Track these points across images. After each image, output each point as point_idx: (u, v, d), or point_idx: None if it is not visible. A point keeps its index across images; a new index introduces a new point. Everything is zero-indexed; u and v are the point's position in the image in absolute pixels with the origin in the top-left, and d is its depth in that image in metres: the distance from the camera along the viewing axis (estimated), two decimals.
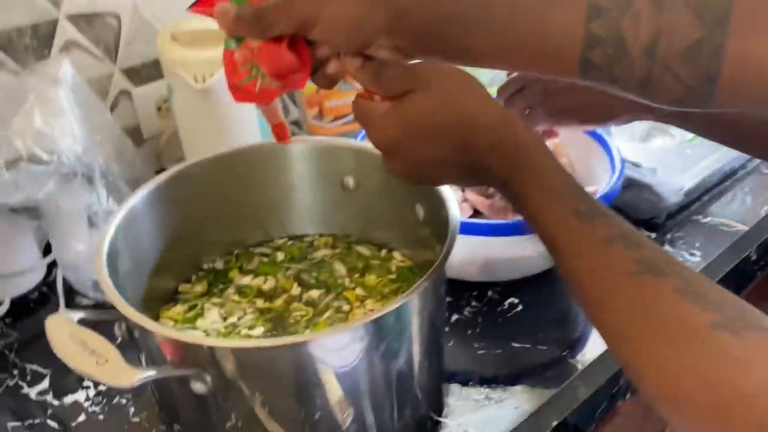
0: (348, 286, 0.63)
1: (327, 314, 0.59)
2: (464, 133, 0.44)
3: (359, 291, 0.63)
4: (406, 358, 0.50)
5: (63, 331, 0.42)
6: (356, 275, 0.64)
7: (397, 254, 0.67)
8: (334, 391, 0.47)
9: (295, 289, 0.62)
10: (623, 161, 0.73)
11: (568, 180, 0.46)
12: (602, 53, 0.41)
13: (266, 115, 0.55)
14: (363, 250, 0.67)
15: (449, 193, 0.55)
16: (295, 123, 1.05)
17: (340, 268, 0.65)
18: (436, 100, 0.44)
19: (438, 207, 0.56)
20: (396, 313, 0.44)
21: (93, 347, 0.41)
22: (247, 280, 0.63)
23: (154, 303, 0.60)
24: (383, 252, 0.67)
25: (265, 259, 0.66)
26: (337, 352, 0.44)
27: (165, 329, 0.42)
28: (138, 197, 0.56)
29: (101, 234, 0.68)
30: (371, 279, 0.64)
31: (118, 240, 0.52)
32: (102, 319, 0.47)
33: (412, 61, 0.47)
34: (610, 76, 0.42)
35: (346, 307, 0.61)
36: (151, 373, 0.40)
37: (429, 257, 0.62)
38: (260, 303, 0.61)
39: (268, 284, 0.63)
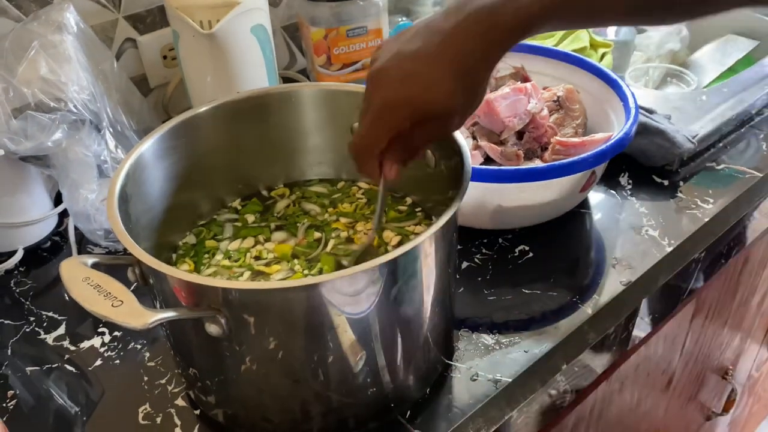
0: (330, 219, 0.64)
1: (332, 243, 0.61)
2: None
3: (343, 219, 0.63)
4: (417, 302, 0.50)
5: (77, 274, 0.42)
6: (330, 208, 0.65)
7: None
8: (346, 334, 0.47)
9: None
10: (637, 107, 0.72)
11: None
12: None
13: None
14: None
15: (461, 139, 0.54)
16: (303, 72, 1.04)
17: (314, 207, 0.66)
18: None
19: (449, 153, 0.55)
20: (408, 255, 0.44)
21: (108, 290, 0.41)
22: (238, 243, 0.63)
23: (166, 249, 0.61)
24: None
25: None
26: (349, 294, 0.44)
27: (179, 272, 0.42)
28: (147, 144, 0.56)
29: (110, 180, 0.69)
30: (345, 206, 0.65)
31: (128, 186, 0.52)
32: (116, 264, 0.47)
33: None
34: None
35: (343, 234, 0.62)
36: (166, 315, 0.41)
37: (440, 203, 0.62)
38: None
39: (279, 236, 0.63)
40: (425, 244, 0.46)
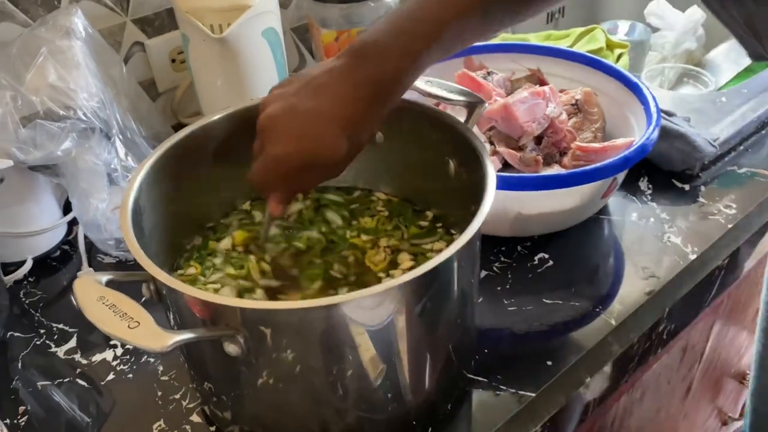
0: (350, 235, 0.62)
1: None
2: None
3: (364, 236, 0.61)
4: (441, 317, 0.48)
5: (92, 293, 0.41)
6: (353, 222, 0.63)
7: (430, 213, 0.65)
8: (368, 352, 0.46)
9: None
10: (659, 110, 0.70)
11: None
12: None
13: None
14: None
15: (483, 146, 0.53)
16: None
17: (335, 218, 0.64)
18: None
19: (470, 161, 0.54)
20: (433, 272, 0.43)
21: (124, 310, 0.40)
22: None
23: (176, 252, 0.59)
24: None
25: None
26: (372, 312, 0.43)
27: (197, 291, 0.41)
28: (159, 154, 0.54)
29: (123, 192, 0.68)
30: (367, 221, 0.63)
31: (141, 199, 0.50)
32: (131, 280, 0.46)
33: None
34: None
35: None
36: (185, 336, 0.39)
37: (460, 213, 0.60)
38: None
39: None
40: (450, 261, 0.44)
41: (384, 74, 0.49)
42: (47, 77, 0.64)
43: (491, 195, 0.47)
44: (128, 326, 0.38)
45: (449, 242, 0.62)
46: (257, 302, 0.46)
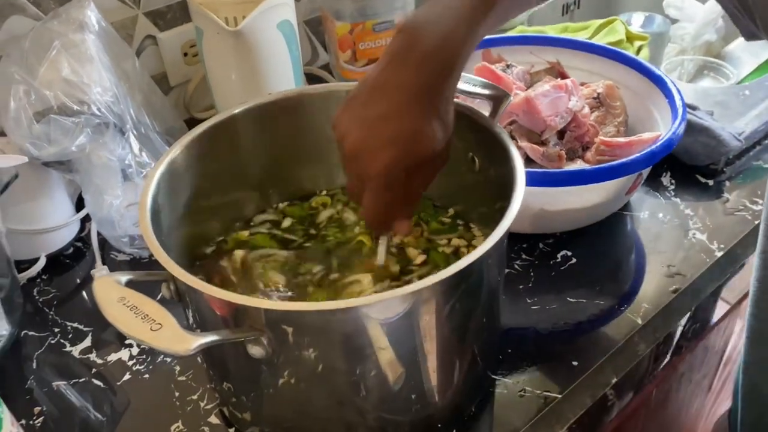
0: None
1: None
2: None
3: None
4: (467, 318, 0.47)
5: (112, 294, 0.39)
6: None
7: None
8: (393, 353, 0.44)
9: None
10: (684, 104, 0.68)
11: None
12: None
13: None
14: None
15: (510, 142, 0.51)
16: (325, 68, 1.00)
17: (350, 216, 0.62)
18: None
19: (496, 157, 0.52)
20: (464, 272, 0.41)
21: (145, 311, 0.38)
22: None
23: (196, 250, 0.58)
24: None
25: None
26: (399, 314, 0.42)
27: (220, 291, 0.40)
28: (176, 151, 0.53)
29: (137, 188, 0.67)
30: None
31: (159, 197, 0.49)
32: (150, 280, 0.44)
33: None
34: None
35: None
36: (209, 339, 0.38)
37: (484, 211, 0.59)
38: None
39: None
40: (482, 260, 0.43)
41: (443, 42, 0.46)
42: (60, 71, 0.62)
43: (521, 192, 0.46)
44: (150, 328, 0.37)
45: (469, 239, 0.60)
46: (282, 303, 0.45)
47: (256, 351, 0.41)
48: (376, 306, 0.40)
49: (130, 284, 0.42)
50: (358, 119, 0.46)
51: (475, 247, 0.59)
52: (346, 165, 0.48)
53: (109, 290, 0.40)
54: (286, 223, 0.62)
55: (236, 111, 0.57)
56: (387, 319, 0.42)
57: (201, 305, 0.43)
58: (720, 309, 0.74)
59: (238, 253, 0.57)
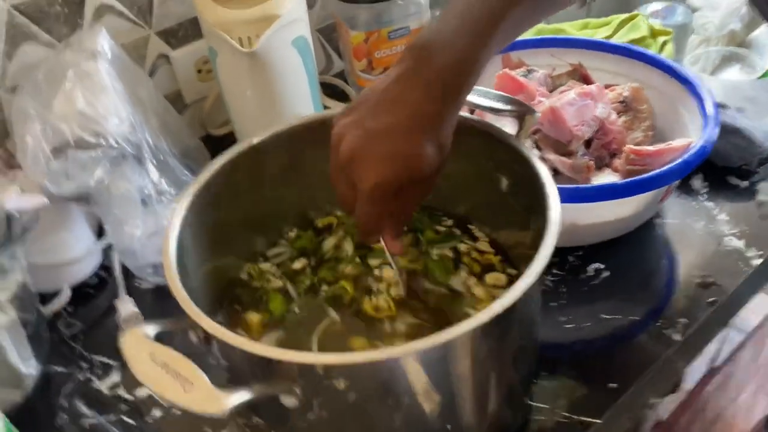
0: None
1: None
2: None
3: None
4: (508, 350, 0.46)
5: (142, 350, 0.38)
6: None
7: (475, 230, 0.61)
8: (432, 395, 0.43)
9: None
10: (716, 106, 0.66)
11: None
12: None
13: None
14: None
15: (541, 164, 0.49)
16: (340, 76, 0.99)
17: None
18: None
19: (525, 177, 0.50)
20: (508, 311, 0.40)
21: (176, 368, 0.37)
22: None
23: (220, 284, 0.57)
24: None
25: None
26: (441, 357, 0.40)
27: (252, 344, 0.38)
28: (197, 187, 0.51)
29: (157, 216, 0.65)
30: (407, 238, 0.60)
31: (183, 237, 0.48)
32: (180, 329, 0.43)
33: None
34: None
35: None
36: (243, 397, 0.37)
37: (514, 232, 0.57)
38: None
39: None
40: (525, 297, 0.41)
41: (454, 64, 0.46)
42: (75, 103, 0.61)
43: (557, 218, 0.44)
44: (183, 389, 0.36)
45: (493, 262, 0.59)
46: (316, 356, 0.44)
47: (289, 402, 0.40)
48: (416, 354, 0.39)
49: (158, 336, 0.41)
50: (359, 127, 0.46)
51: (481, 251, 0.59)
52: (337, 169, 0.47)
53: (139, 347, 0.39)
54: (297, 265, 0.60)
55: (257, 140, 0.55)
56: (427, 364, 0.40)
57: (232, 356, 0.42)
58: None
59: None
